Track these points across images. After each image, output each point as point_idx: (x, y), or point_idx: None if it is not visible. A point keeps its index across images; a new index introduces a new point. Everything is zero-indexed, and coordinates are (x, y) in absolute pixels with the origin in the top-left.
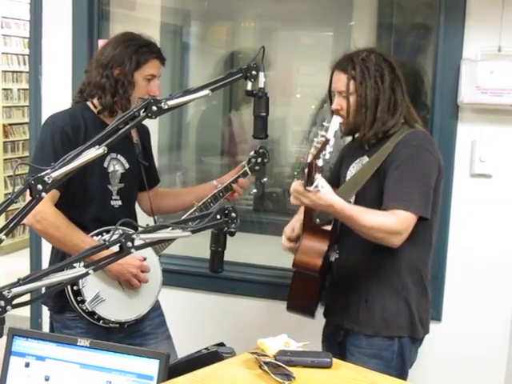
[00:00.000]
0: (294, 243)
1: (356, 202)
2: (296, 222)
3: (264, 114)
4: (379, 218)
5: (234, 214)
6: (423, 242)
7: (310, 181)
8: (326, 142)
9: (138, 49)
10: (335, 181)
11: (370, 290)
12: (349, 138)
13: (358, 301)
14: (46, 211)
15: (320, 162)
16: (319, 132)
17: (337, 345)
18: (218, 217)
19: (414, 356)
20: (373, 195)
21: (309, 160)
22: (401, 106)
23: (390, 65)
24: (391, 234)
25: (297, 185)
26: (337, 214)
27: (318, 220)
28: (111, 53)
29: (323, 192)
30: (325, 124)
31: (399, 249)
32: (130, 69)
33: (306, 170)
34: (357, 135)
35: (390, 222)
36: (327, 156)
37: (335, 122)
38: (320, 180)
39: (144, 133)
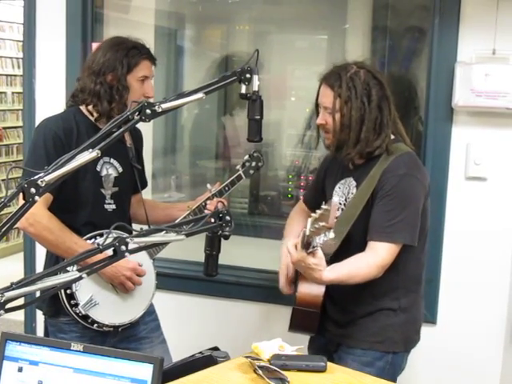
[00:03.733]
0: (292, 285)
1: (348, 234)
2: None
3: (258, 117)
4: (363, 269)
5: (228, 218)
6: (414, 259)
7: (305, 244)
8: (329, 229)
9: (128, 52)
10: (319, 195)
11: (366, 308)
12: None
13: (354, 319)
14: (39, 214)
15: (315, 242)
16: (318, 211)
17: (329, 352)
18: (213, 220)
19: (404, 364)
20: (365, 224)
21: (307, 233)
22: (386, 127)
23: (379, 83)
24: (373, 275)
25: (299, 255)
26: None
27: None
28: (101, 59)
29: (318, 271)
30: (324, 207)
31: (392, 268)
32: (122, 73)
33: (302, 239)
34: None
35: (372, 268)
36: (325, 240)
37: (336, 206)
38: (317, 247)
39: (137, 137)
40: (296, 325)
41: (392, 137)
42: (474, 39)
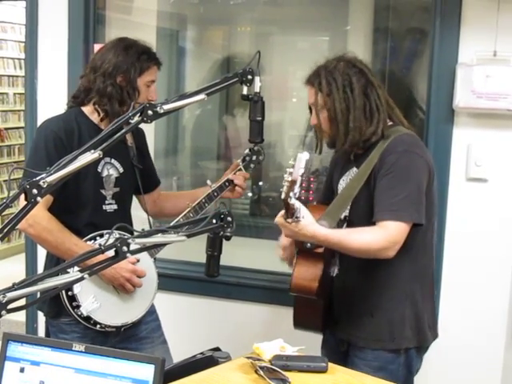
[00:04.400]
0: (288, 251)
1: (350, 216)
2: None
3: (260, 118)
4: (366, 236)
5: (229, 218)
6: (423, 246)
7: (289, 213)
8: (293, 182)
9: (140, 56)
10: (330, 194)
11: (375, 303)
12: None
13: (363, 315)
14: (39, 215)
15: (292, 200)
16: (287, 170)
17: (340, 354)
18: (214, 221)
19: (419, 364)
20: (365, 207)
21: (282, 197)
22: (377, 112)
23: (360, 70)
24: (381, 250)
25: (279, 218)
26: (322, 243)
27: (308, 244)
28: (113, 60)
29: (304, 224)
30: (290, 162)
31: (400, 258)
32: (134, 76)
33: (285, 208)
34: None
35: (378, 239)
36: (297, 194)
37: (301, 160)
38: (300, 211)
39: (139, 135)
40: (298, 317)
41: (390, 122)
42: (474, 41)
